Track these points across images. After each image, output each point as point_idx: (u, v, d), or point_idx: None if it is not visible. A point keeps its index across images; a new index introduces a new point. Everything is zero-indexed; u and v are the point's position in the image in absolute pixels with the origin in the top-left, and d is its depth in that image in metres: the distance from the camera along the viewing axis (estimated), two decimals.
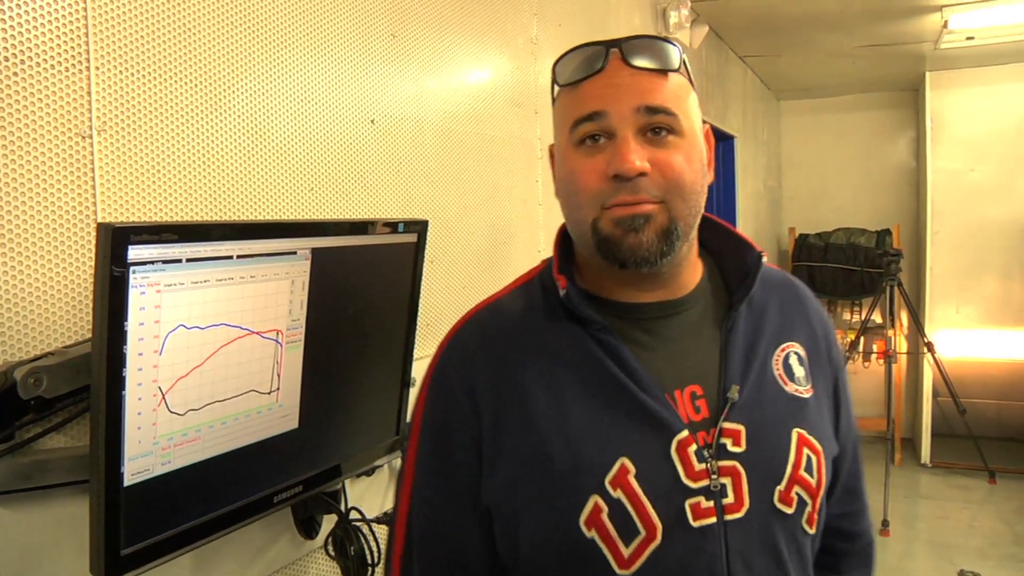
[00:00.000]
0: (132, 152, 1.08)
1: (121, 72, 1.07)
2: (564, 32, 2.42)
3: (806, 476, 0.81)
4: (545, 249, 2.22)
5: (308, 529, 1.39)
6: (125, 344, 0.86)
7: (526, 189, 2.19)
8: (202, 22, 1.20)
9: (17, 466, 0.92)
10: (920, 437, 5.30)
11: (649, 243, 0.77)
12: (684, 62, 0.82)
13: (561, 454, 0.77)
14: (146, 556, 0.93)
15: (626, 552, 0.75)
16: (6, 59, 0.93)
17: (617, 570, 0.75)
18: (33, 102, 0.96)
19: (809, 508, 0.82)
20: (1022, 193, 5.38)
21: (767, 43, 4.59)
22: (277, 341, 1.08)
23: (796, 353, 0.88)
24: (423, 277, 1.39)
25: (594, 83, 0.79)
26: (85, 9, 1.02)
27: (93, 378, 0.85)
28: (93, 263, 0.92)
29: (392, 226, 1.29)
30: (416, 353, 1.41)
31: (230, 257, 0.98)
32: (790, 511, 0.80)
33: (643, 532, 0.75)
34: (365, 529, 1.39)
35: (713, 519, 0.76)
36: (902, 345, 5.62)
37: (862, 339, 5.33)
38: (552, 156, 0.89)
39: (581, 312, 0.81)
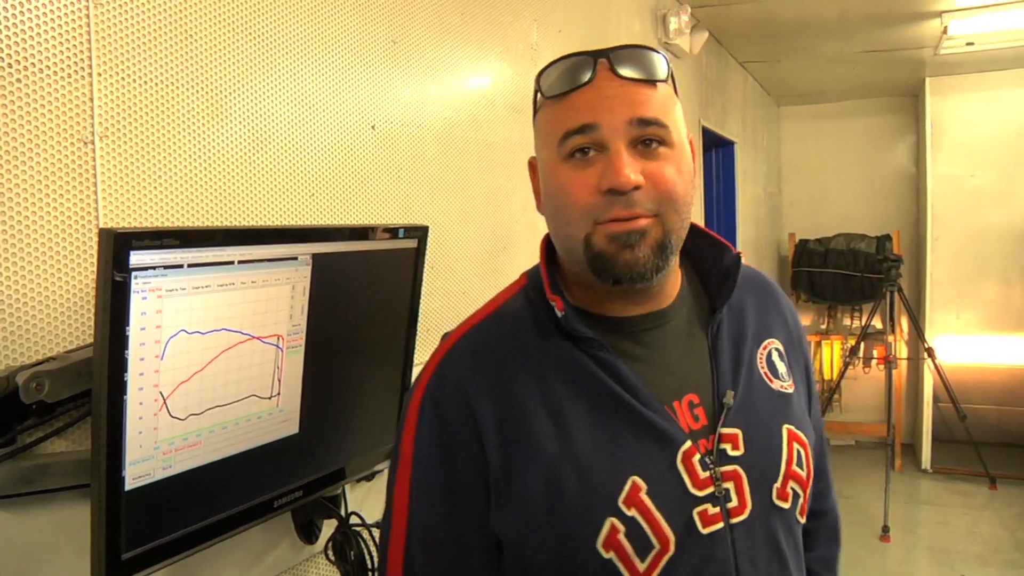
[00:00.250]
0: (134, 158, 1.09)
1: (123, 78, 1.07)
2: (564, 38, 2.43)
3: (798, 470, 0.83)
4: None
5: (308, 534, 1.39)
6: (127, 349, 0.86)
7: (526, 195, 2.18)
8: (203, 28, 1.20)
9: (18, 470, 0.93)
10: (920, 443, 5.30)
11: (645, 259, 0.76)
12: (670, 72, 0.81)
13: (571, 481, 0.76)
14: (147, 560, 0.93)
15: (641, 567, 0.75)
16: (9, 65, 0.93)
17: None
18: (35, 108, 0.96)
19: (801, 500, 0.85)
20: (1022, 199, 5.38)
21: (767, 49, 4.60)
22: (278, 346, 1.08)
23: (776, 349, 0.90)
24: (423, 283, 1.40)
25: (583, 95, 0.77)
26: (87, 15, 1.03)
27: (95, 382, 0.86)
28: (95, 268, 0.93)
29: (392, 232, 1.29)
30: (416, 358, 1.41)
31: (231, 262, 0.98)
32: (787, 506, 0.82)
33: (657, 546, 0.75)
34: (365, 534, 1.39)
35: (721, 524, 0.77)
36: (902, 351, 5.62)
37: (862, 345, 5.32)
38: (533, 169, 0.87)
39: (580, 332, 0.80)
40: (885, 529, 4.12)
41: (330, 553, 1.40)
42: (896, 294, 4.75)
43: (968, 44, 4.36)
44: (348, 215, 1.51)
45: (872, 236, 5.68)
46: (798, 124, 6.43)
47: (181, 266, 0.91)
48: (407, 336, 1.38)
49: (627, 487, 0.76)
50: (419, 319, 1.40)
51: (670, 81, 0.81)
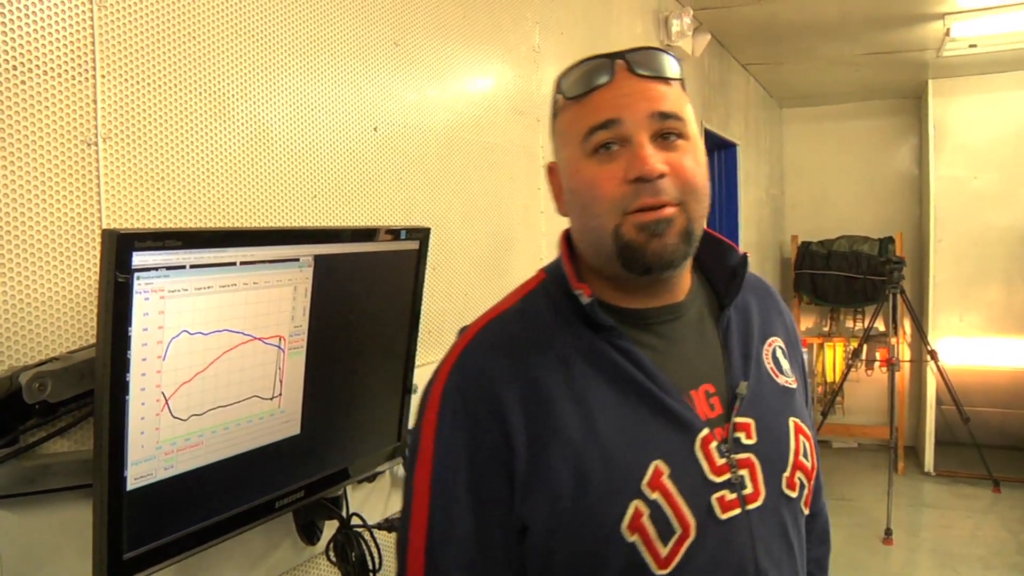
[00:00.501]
0: (137, 159, 1.09)
1: (126, 80, 1.08)
2: (566, 40, 2.43)
3: (804, 461, 0.87)
4: (547, 257, 2.22)
5: (309, 535, 1.39)
6: (129, 349, 0.87)
7: (528, 197, 2.20)
8: (206, 31, 1.21)
9: (21, 470, 0.93)
10: (923, 445, 5.29)
11: (673, 247, 0.78)
12: (682, 72, 0.85)
13: (597, 465, 0.77)
14: (148, 560, 0.94)
15: (663, 552, 0.77)
16: (13, 67, 0.94)
17: (656, 571, 0.76)
18: (39, 110, 0.97)
19: (806, 491, 0.88)
20: None
21: (769, 51, 4.60)
22: (280, 347, 1.09)
23: (780, 347, 0.94)
24: (425, 284, 1.40)
25: (604, 94, 0.80)
26: (91, 18, 1.03)
27: (97, 383, 0.86)
28: (98, 269, 0.93)
29: (394, 233, 1.30)
30: (418, 360, 1.42)
31: (233, 264, 0.99)
32: (794, 495, 0.85)
33: (679, 530, 0.77)
34: (366, 535, 1.39)
35: (738, 510, 0.80)
36: (905, 353, 5.61)
37: (865, 347, 5.32)
38: (552, 173, 0.89)
39: (603, 321, 0.82)
40: (888, 532, 4.11)
41: (331, 554, 1.40)
42: (899, 296, 4.75)
43: (971, 46, 4.36)
44: (350, 217, 1.51)
45: (875, 238, 5.68)
46: (801, 126, 6.43)
47: (183, 267, 0.92)
48: (409, 337, 1.39)
49: (651, 470, 0.78)
50: (421, 320, 1.40)
51: (681, 81, 0.85)
